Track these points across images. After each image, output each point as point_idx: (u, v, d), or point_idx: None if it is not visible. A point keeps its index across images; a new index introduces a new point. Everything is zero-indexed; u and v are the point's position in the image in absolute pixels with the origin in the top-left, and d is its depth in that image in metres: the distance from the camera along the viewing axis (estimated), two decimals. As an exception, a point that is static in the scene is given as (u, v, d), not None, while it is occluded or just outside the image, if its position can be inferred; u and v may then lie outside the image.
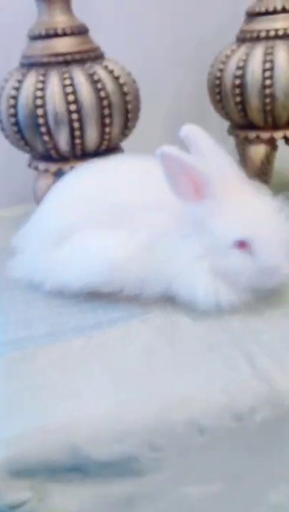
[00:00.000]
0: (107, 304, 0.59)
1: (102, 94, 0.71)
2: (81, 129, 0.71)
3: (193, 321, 0.55)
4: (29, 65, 0.73)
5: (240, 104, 0.79)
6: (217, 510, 0.46)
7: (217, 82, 0.81)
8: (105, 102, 0.71)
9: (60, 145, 0.72)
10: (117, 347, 0.52)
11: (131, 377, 0.47)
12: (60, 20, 0.72)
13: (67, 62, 0.71)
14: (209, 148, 0.56)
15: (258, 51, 0.76)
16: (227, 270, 0.54)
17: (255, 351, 0.49)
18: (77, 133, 0.71)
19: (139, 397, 0.44)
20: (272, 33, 0.76)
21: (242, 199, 0.54)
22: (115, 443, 0.42)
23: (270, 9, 0.76)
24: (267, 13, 0.77)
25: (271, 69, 0.75)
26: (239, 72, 0.77)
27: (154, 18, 1.02)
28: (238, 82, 0.78)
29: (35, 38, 0.73)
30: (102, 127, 0.72)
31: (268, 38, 0.76)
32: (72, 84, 0.69)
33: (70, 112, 0.69)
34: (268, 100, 0.76)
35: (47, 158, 0.76)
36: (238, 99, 0.79)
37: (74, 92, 0.69)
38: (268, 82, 0.75)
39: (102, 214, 0.58)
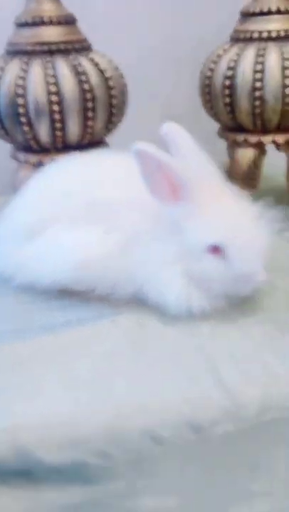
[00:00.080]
0: (78, 303, 0.57)
1: (86, 86, 0.69)
2: (62, 121, 0.69)
3: (163, 325, 0.53)
4: (14, 52, 0.71)
5: (229, 106, 0.77)
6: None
7: (207, 81, 0.80)
8: (89, 95, 0.69)
9: (40, 136, 0.71)
10: (81, 348, 0.51)
11: (90, 380, 0.46)
12: (47, 8, 0.70)
13: (51, 52, 0.69)
14: (189, 148, 0.55)
15: (250, 52, 0.74)
16: (200, 275, 0.52)
17: (222, 361, 0.47)
18: (58, 125, 0.69)
19: (95, 402, 0.43)
20: (265, 35, 0.74)
21: (219, 203, 0.53)
22: (66, 448, 0.40)
23: (265, 10, 0.75)
24: (261, 13, 0.75)
25: (262, 71, 0.73)
26: (230, 73, 0.76)
27: (152, 16, 1.01)
28: (228, 82, 0.76)
29: (21, 25, 0.71)
30: (85, 120, 0.70)
31: (260, 39, 0.74)
32: (54, 75, 0.67)
33: (51, 103, 0.68)
34: (257, 103, 0.75)
35: (27, 149, 0.74)
36: (227, 100, 0.77)
37: (56, 83, 0.67)
38: (258, 84, 0.74)
39: (78, 210, 0.56)
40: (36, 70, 0.68)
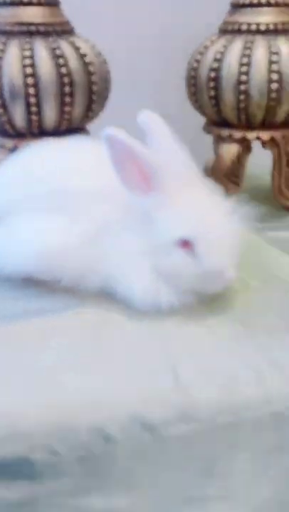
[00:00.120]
0: (42, 293, 0.55)
1: (64, 70, 0.67)
2: (38, 104, 0.67)
3: (127, 320, 0.51)
4: (-8, 32, 0.69)
5: (214, 99, 0.76)
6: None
7: (193, 73, 0.78)
8: (66, 79, 0.67)
9: (15, 120, 0.68)
10: (40, 340, 0.49)
11: (42, 373, 0.44)
12: (28, -12, 0.68)
13: (30, 33, 0.67)
14: (165, 138, 0.53)
15: (237, 45, 0.73)
16: (168, 270, 0.51)
17: (182, 359, 0.46)
18: (33, 109, 0.67)
19: (43, 395, 0.41)
20: (253, 27, 0.72)
21: (191, 196, 0.51)
22: (9, 442, 0.38)
23: (255, 1, 0.73)
24: (251, 5, 0.73)
25: (248, 64, 0.71)
26: (216, 65, 0.74)
27: (143, 6, 1.00)
28: (213, 74, 0.74)
29: (2, 4, 0.69)
30: (62, 105, 0.68)
31: (248, 31, 0.73)
32: (32, 56, 0.65)
33: (27, 86, 0.66)
34: (242, 97, 0.73)
35: (3, 133, 0.72)
36: (212, 93, 0.75)
37: (33, 65, 0.65)
38: (243, 77, 0.72)
39: (44, 197, 0.54)
40: (13, 51, 0.65)
